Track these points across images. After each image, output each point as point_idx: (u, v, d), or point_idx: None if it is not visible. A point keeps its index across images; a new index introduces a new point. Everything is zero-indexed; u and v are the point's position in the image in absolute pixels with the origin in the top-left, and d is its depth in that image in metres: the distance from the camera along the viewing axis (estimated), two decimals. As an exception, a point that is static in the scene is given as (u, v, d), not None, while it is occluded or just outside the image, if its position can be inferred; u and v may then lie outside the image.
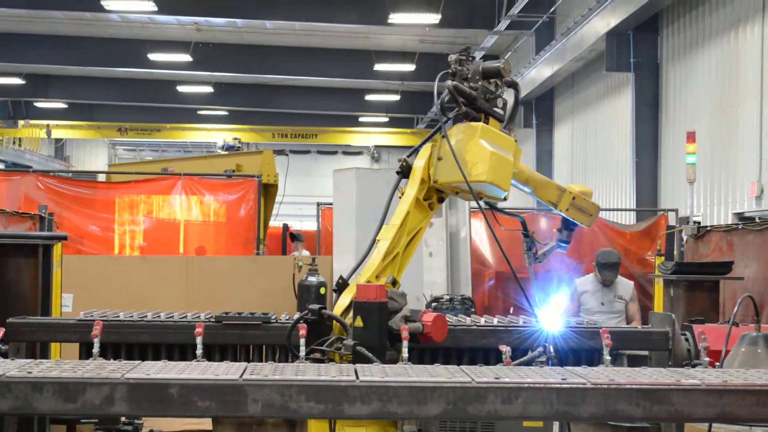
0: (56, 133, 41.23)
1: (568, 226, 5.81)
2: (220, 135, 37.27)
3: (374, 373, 3.81)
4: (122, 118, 39.80)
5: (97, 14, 26.50)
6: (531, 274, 5.70)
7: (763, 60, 13.97)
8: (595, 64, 21.54)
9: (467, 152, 5.11)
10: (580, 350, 5.93)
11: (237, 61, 31.08)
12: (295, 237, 15.87)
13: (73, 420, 6.18)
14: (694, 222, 11.05)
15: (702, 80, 16.29)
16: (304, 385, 3.63)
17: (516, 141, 5.35)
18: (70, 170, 34.67)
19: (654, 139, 18.30)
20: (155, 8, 23.46)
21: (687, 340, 5.76)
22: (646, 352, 6.14)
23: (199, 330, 5.29)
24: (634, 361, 6.13)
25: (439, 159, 5.24)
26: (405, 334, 4.76)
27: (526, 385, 3.66)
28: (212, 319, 5.89)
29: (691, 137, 11.73)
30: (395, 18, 24.09)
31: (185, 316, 6.06)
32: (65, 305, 9.33)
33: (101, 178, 16.24)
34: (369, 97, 36.55)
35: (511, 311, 10.34)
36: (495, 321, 6.11)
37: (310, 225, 23.87)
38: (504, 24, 23.46)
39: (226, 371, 3.77)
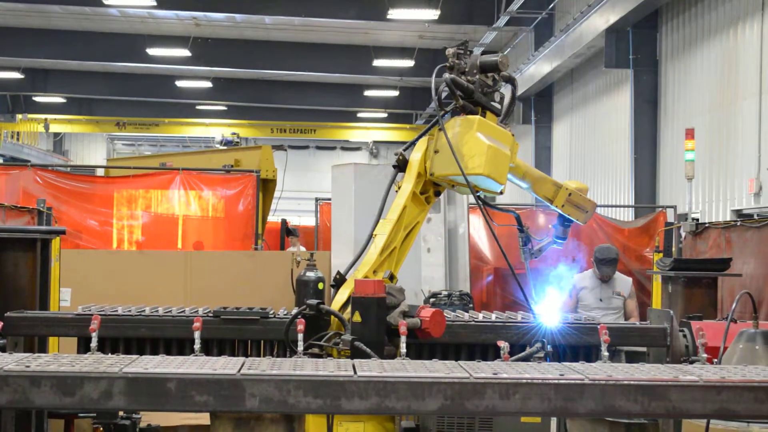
0: (54, 128, 41.16)
1: (563, 222, 5.81)
2: (218, 130, 37.25)
3: (372, 368, 3.81)
4: (121, 113, 39.76)
5: (96, 9, 26.48)
6: (527, 269, 5.70)
7: (762, 57, 13.97)
8: (594, 61, 21.54)
9: (464, 145, 5.10)
10: (578, 346, 5.93)
11: (236, 56, 31.06)
12: (290, 232, 15.86)
13: (71, 414, 6.18)
14: (693, 219, 11.03)
15: (701, 77, 16.29)
16: (302, 380, 3.63)
17: (513, 135, 5.34)
18: (68, 165, 34.63)
19: (653, 136, 18.30)
20: (154, 3, 23.46)
21: (685, 336, 5.77)
22: (644, 349, 6.15)
23: (197, 325, 5.29)
24: (632, 358, 6.14)
25: (436, 152, 5.24)
26: (403, 329, 4.76)
27: (524, 380, 3.66)
28: (210, 314, 5.89)
29: (689, 134, 11.72)
30: (394, 14, 24.08)
31: (183, 311, 6.06)
32: (63, 299, 9.33)
33: (100, 172, 16.22)
34: (368, 93, 36.53)
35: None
36: (493, 317, 6.11)
37: (308, 220, 23.85)
38: (503, 20, 23.45)
39: (224, 366, 3.77)
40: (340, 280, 5.16)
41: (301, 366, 3.83)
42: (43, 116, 39.43)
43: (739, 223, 9.74)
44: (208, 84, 35.48)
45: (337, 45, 30.83)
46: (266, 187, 13.43)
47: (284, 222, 16.45)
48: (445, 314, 5.46)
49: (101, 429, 6.21)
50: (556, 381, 3.66)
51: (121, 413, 5.96)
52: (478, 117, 5.20)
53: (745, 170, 14.35)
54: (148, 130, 41.40)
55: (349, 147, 47.38)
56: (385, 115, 39.74)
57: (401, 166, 5.38)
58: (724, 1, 15.50)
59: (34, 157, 36.24)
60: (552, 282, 6.45)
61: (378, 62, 30.55)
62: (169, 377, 3.61)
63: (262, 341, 5.99)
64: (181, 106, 39.10)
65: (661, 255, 10.82)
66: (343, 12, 25.52)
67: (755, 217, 12.20)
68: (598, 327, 5.43)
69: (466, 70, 5.29)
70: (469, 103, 5.25)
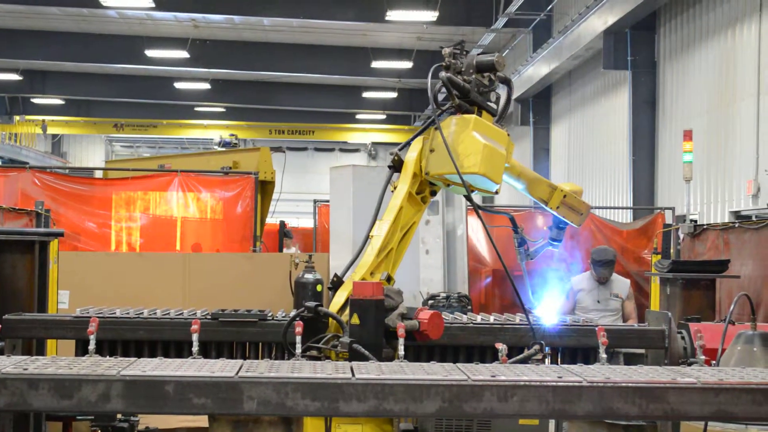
0: (52, 129, 41.16)
1: (558, 224, 5.81)
2: (216, 131, 37.26)
3: (370, 370, 3.81)
4: (119, 115, 39.76)
5: (94, 10, 26.46)
6: (523, 270, 5.70)
7: (760, 58, 13.98)
8: (592, 62, 21.54)
9: (460, 144, 5.10)
10: (577, 348, 5.94)
11: (234, 57, 31.05)
12: (285, 234, 15.84)
13: (69, 417, 6.18)
14: (691, 220, 11.05)
15: (699, 78, 16.30)
16: (300, 383, 3.63)
17: (509, 135, 5.34)
18: (66, 167, 34.63)
19: (651, 137, 18.30)
20: (152, 4, 23.46)
21: (683, 338, 5.77)
22: (642, 350, 6.15)
23: (195, 327, 5.29)
24: (631, 359, 6.14)
25: (432, 151, 5.23)
26: (401, 331, 4.76)
27: (522, 383, 3.66)
28: (208, 317, 5.89)
29: (687, 135, 11.72)
30: (392, 15, 24.08)
31: (181, 313, 6.06)
32: (61, 302, 9.32)
33: (98, 174, 16.22)
34: (366, 95, 36.53)
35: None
36: (491, 319, 6.11)
37: (306, 222, 23.85)
38: (501, 22, 23.45)
39: (222, 368, 3.76)
40: (337, 283, 5.16)
41: (299, 368, 3.83)
42: (40, 118, 39.42)
43: (737, 225, 9.75)
44: (206, 85, 35.48)
45: (336, 47, 30.83)
46: (264, 188, 13.43)
47: (282, 224, 16.44)
48: (444, 316, 5.46)
49: (99, 431, 6.21)
50: (554, 383, 3.66)
51: (119, 416, 5.96)
52: (474, 116, 5.20)
53: (743, 172, 14.35)
54: (146, 131, 41.39)
55: (347, 149, 47.39)
56: (383, 116, 39.75)
57: (397, 166, 5.38)
58: (722, 3, 15.51)
59: (33, 159, 36.22)
60: (550, 284, 6.46)
61: (376, 64, 30.56)
62: (167, 380, 3.61)
63: (260, 343, 5.99)
64: (180, 108, 39.09)
65: (659, 257, 10.82)
66: (342, 14, 25.51)
67: (753, 218, 12.20)
68: (596, 329, 5.43)
69: (463, 69, 5.29)
70: (465, 102, 5.25)
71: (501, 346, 4.78)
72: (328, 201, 12.74)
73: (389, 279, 5.08)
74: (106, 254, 11.76)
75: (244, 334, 5.86)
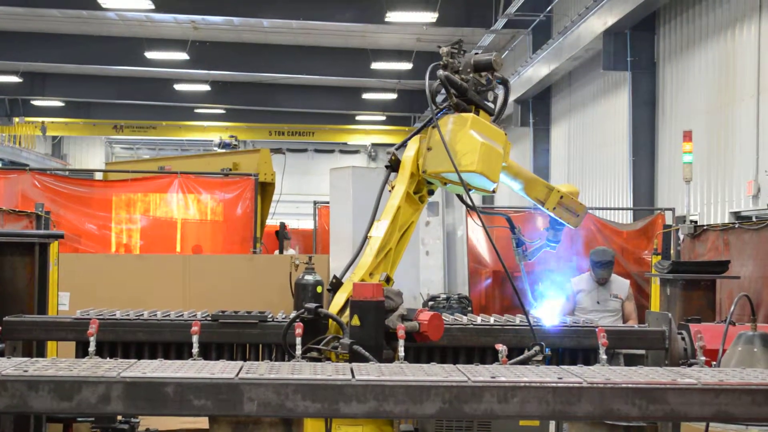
0: (51, 130, 41.17)
1: (555, 225, 5.80)
2: (216, 133, 37.27)
3: (370, 372, 3.81)
4: (119, 117, 39.78)
5: (94, 12, 26.45)
6: (522, 270, 5.70)
7: (760, 58, 13.97)
8: (592, 63, 21.53)
9: (457, 142, 5.09)
10: (577, 349, 5.94)
11: (234, 59, 31.05)
12: (283, 235, 15.83)
13: (70, 418, 6.18)
14: (691, 221, 11.04)
15: (699, 79, 16.29)
16: (300, 384, 3.63)
17: (506, 135, 5.33)
18: (67, 168, 34.65)
19: (651, 138, 18.30)
20: (152, 6, 23.45)
21: (683, 339, 5.77)
22: (642, 351, 6.15)
23: (195, 329, 5.29)
24: (631, 360, 6.14)
25: (429, 149, 5.23)
26: (401, 333, 4.76)
27: (522, 384, 3.66)
28: (209, 318, 5.89)
29: (687, 136, 11.71)
30: (392, 16, 24.08)
31: (182, 315, 6.06)
32: (62, 304, 9.33)
33: (98, 176, 16.23)
34: (366, 96, 36.53)
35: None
36: (491, 320, 6.11)
37: (306, 224, 23.86)
38: (501, 23, 23.45)
39: (222, 370, 3.77)
40: (336, 284, 5.16)
41: (300, 370, 3.83)
42: (40, 119, 39.44)
43: (737, 226, 9.74)
44: (206, 87, 35.48)
45: (335, 48, 30.83)
46: (265, 190, 13.44)
47: (283, 225, 16.45)
48: (444, 317, 5.46)
49: (99, 433, 6.22)
50: (554, 384, 3.66)
51: (119, 417, 5.96)
52: (471, 115, 5.20)
53: (743, 172, 14.35)
54: (145, 133, 41.40)
55: (347, 150, 47.40)
56: (383, 118, 39.76)
57: (394, 166, 5.37)
58: (721, 3, 15.51)
59: (33, 161, 36.24)
60: (550, 285, 6.45)
61: (376, 65, 30.56)
62: (167, 381, 3.61)
63: (260, 345, 5.99)
64: (180, 110, 39.09)
65: (659, 257, 10.82)
66: (341, 15, 25.50)
67: (753, 219, 12.19)
68: (596, 330, 5.43)
69: (460, 68, 5.29)
70: (462, 101, 5.25)
71: (501, 348, 4.78)
72: (328, 202, 12.75)
73: (388, 280, 5.08)
74: (106, 256, 11.76)
75: (244, 336, 5.86)
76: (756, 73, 14.06)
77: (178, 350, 5.85)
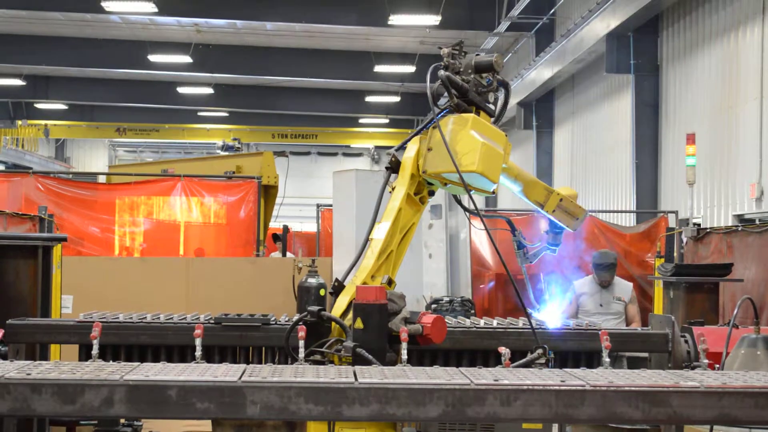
0: (54, 133, 41.22)
1: (554, 229, 5.79)
2: (219, 136, 37.29)
3: (373, 375, 3.81)
4: (122, 120, 39.82)
5: (97, 15, 26.48)
6: (524, 272, 5.69)
7: (763, 61, 13.96)
8: (595, 66, 21.53)
9: (458, 143, 5.09)
10: (580, 352, 5.93)
11: (237, 62, 31.08)
12: (277, 238, 15.83)
13: (73, 422, 6.19)
14: (694, 224, 11.05)
15: (702, 82, 16.29)
16: (303, 387, 3.63)
17: (506, 135, 5.33)
18: (70, 171, 34.69)
19: (654, 141, 18.29)
20: (155, 9, 23.47)
21: (686, 342, 5.76)
22: (645, 354, 6.14)
23: (198, 332, 5.28)
24: (634, 363, 6.14)
25: (429, 150, 5.22)
26: (404, 335, 4.76)
27: (525, 387, 3.66)
28: (212, 321, 5.89)
29: (690, 139, 11.71)
30: (395, 19, 24.08)
31: (185, 318, 6.06)
32: (65, 307, 9.33)
33: (101, 179, 16.24)
34: (369, 99, 36.54)
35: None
36: (494, 323, 6.11)
37: (310, 226, 23.86)
38: (504, 25, 23.44)
39: (225, 373, 3.77)
40: (338, 287, 5.15)
41: (302, 373, 3.83)
42: (43, 122, 39.49)
43: (740, 228, 9.74)
44: (209, 90, 35.51)
45: (338, 51, 30.85)
46: (268, 193, 13.45)
47: (286, 228, 16.44)
48: (447, 320, 5.45)
49: (103, 436, 6.21)
50: (557, 387, 3.66)
51: (122, 421, 5.97)
52: (472, 115, 5.19)
53: (747, 175, 14.34)
54: (148, 135, 41.44)
55: (350, 153, 47.42)
56: (386, 120, 39.76)
57: (394, 167, 5.36)
58: (724, 6, 15.51)
59: (36, 164, 36.31)
60: (553, 288, 6.45)
61: (379, 68, 30.56)
62: (170, 384, 3.61)
63: (263, 348, 5.99)
64: (183, 113, 39.13)
65: (662, 260, 10.82)
66: (344, 18, 25.52)
67: (757, 222, 12.19)
68: (599, 333, 5.42)
69: (461, 69, 5.29)
70: (463, 102, 5.25)
71: (504, 350, 4.78)
72: (331, 205, 12.75)
73: (390, 282, 5.07)
74: (109, 259, 11.77)
75: (247, 339, 5.86)
76: (759, 76, 14.06)
77: (181, 353, 5.85)
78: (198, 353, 5.25)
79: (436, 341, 4.94)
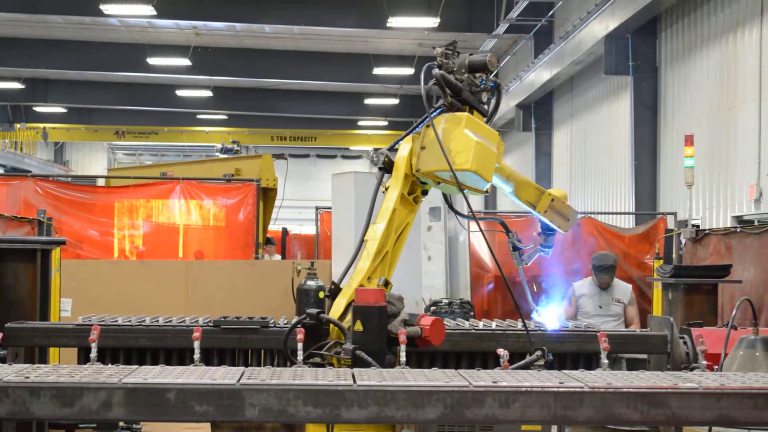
0: (53, 136, 41.23)
1: (547, 230, 5.78)
2: (218, 138, 37.31)
3: (372, 377, 3.81)
4: (122, 123, 39.85)
5: (96, 19, 26.51)
6: (521, 274, 5.68)
7: (762, 63, 13.97)
8: (593, 68, 21.55)
9: (452, 141, 5.08)
10: (578, 354, 5.93)
11: (236, 65, 31.09)
12: (267, 240, 15.84)
13: (72, 425, 6.19)
14: (693, 225, 11.05)
15: (700, 83, 16.30)
16: (302, 390, 3.63)
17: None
18: (69, 175, 34.68)
19: (653, 142, 18.30)
20: (154, 13, 23.48)
21: (685, 343, 5.76)
22: (644, 356, 6.14)
23: (196, 334, 5.28)
24: (633, 365, 6.13)
25: (423, 148, 5.21)
26: (402, 338, 4.75)
27: (524, 389, 3.66)
28: (210, 324, 5.89)
29: (689, 140, 11.72)
30: (394, 22, 24.09)
31: (183, 321, 6.06)
32: (64, 310, 9.33)
33: (100, 182, 16.24)
34: (368, 101, 36.55)
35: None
36: (493, 325, 6.10)
37: (309, 229, 23.87)
38: (503, 27, 23.46)
39: (224, 376, 3.77)
40: (335, 290, 5.13)
41: (301, 375, 3.83)
42: (40, 125, 39.51)
43: (738, 230, 9.75)
44: (208, 93, 35.53)
45: (337, 53, 30.86)
46: (267, 195, 13.46)
47: (285, 231, 16.45)
48: (446, 322, 5.45)
49: (102, 439, 6.21)
50: (555, 389, 3.66)
51: (121, 424, 5.96)
52: (466, 114, 5.18)
53: (745, 176, 14.35)
54: (147, 138, 41.46)
55: (349, 155, 47.44)
56: (385, 123, 39.77)
57: (387, 167, 5.35)
58: (723, 7, 15.52)
59: (35, 167, 36.31)
60: (552, 290, 6.46)
61: (378, 70, 30.57)
62: (168, 387, 3.61)
63: (262, 350, 5.98)
64: (182, 115, 39.15)
65: (661, 262, 10.83)
66: (343, 20, 25.53)
67: (755, 223, 12.20)
68: (598, 334, 5.42)
69: (455, 69, 5.28)
70: (457, 101, 5.25)
71: (503, 352, 4.78)
72: (330, 208, 12.76)
73: (387, 283, 5.07)
74: (108, 262, 11.78)
75: (246, 342, 5.86)
76: (758, 77, 14.07)
77: (180, 356, 5.84)
78: (197, 356, 5.25)
79: (435, 343, 4.94)
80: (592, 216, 14.02)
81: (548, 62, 23.08)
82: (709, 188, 15.69)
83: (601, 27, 18.62)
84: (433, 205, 10.88)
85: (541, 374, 3.97)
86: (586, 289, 10.27)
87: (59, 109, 39.16)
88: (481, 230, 5.41)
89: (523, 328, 5.76)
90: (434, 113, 5.26)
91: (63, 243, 7.45)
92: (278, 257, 15.01)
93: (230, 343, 5.87)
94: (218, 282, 10.79)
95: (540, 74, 24.00)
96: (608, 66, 18.86)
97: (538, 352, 5.05)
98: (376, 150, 45.52)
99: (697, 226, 11.16)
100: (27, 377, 3.62)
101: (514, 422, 3.69)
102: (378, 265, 5.08)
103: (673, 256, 11.04)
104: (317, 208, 15.99)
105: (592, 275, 10.32)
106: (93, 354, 5.12)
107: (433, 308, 10.14)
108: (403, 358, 4.72)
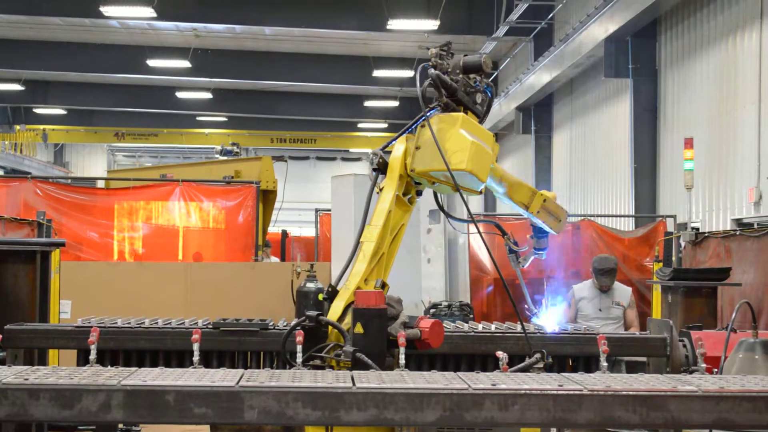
0: (53, 138, 41.24)
1: (539, 233, 5.78)
2: (218, 140, 37.30)
3: (371, 379, 3.81)
4: (122, 125, 39.86)
5: (96, 20, 26.53)
6: (519, 276, 5.68)
7: (761, 66, 13.97)
8: (593, 70, 21.55)
9: (447, 141, 5.08)
10: (578, 356, 5.93)
11: (236, 67, 31.10)
12: (264, 243, 15.82)
13: (71, 426, 6.18)
14: (693, 228, 11.04)
15: (700, 86, 16.30)
16: (301, 392, 3.63)
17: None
18: (69, 176, 34.69)
19: (652, 145, 18.30)
20: (154, 15, 23.49)
21: (685, 346, 5.77)
22: (644, 359, 6.14)
23: (195, 337, 5.28)
24: (633, 368, 6.14)
25: (417, 148, 5.21)
26: (402, 340, 4.75)
27: (523, 391, 3.66)
28: (210, 326, 5.89)
29: (688, 143, 11.72)
30: (394, 24, 24.10)
31: (183, 323, 6.06)
32: (63, 312, 9.34)
33: (100, 184, 16.24)
34: (368, 104, 36.55)
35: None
36: (492, 328, 6.11)
37: (308, 231, 23.86)
38: (503, 30, 23.46)
39: (223, 378, 3.77)
40: (332, 293, 5.13)
41: (300, 378, 3.83)
42: (40, 127, 39.52)
43: (738, 233, 9.74)
44: (208, 95, 35.53)
45: (337, 56, 30.86)
46: (266, 198, 13.45)
47: (284, 233, 16.44)
48: (445, 325, 5.45)
49: (101, 441, 6.21)
50: (554, 392, 3.66)
51: (120, 426, 5.96)
52: (461, 114, 5.18)
53: (745, 179, 14.35)
54: (147, 140, 41.46)
55: (349, 157, 47.44)
56: (385, 125, 39.76)
57: (382, 168, 5.34)
58: (723, 10, 15.52)
59: (35, 169, 36.31)
60: (552, 292, 6.46)
61: (378, 72, 30.57)
62: (167, 389, 3.61)
63: (261, 353, 5.99)
64: (182, 117, 39.15)
65: (660, 264, 10.82)
66: (343, 23, 25.54)
67: (755, 226, 12.19)
68: (597, 337, 5.42)
69: (449, 69, 5.29)
70: (451, 101, 5.25)
71: (502, 355, 4.78)
72: (329, 210, 12.75)
73: (383, 285, 5.06)
74: (108, 264, 11.77)
75: (245, 344, 5.86)
76: (757, 80, 14.07)
77: (179, 358, 5.85)
78: (196, 358, 5.25)
79: (434, 346, 4.94)
80: (592, 219, 14.02)
81: (548, 65, 23.08)
82: (708, 191, 15.69)
83: (600, 30, 18.62)
84: (432, 208, 10.88)
85: (541, 377, 3.97)
86: (586, 291, 10.27)
87: (59, 111, 39.16)
88: (479, 232, 5.40)
89: (523, 331, 5.76)
90: (429, 113, 5.26)
91: (62, 245, 7.44)
92: (275, 260, 15.00)
93: (229, 346, 5.88)
94: (218, 284, 10.79)
95: (540, 77, 24.00)
96: (608, 69, 18.87)
97: (538, 355, 5.05)
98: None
99: (697, 229, 11.13)
100: (26, 379, 3.62)
101: (514, 425, 3.69)
102: (374, 267, 5.07)
103: (673, 258, 11.03)
104: (317, 211, 15.97)
105: (592, 278, 10.32)
106: (92, 356, 5.12)
107: (432, 311, 10.13)
108: (402, 360, 4.72)
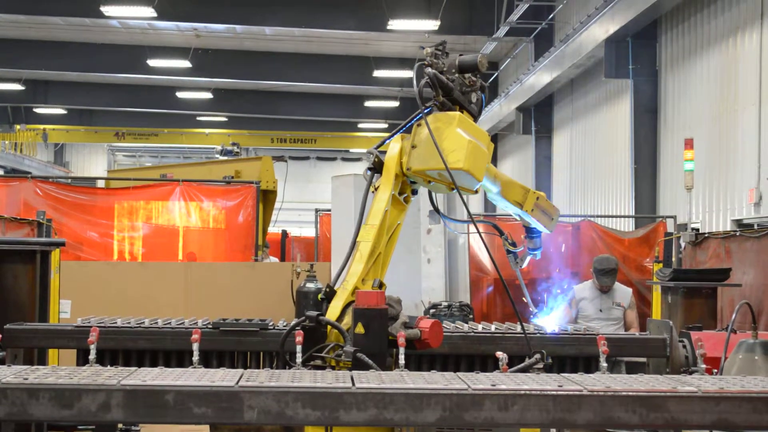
0: (53, 138, 41.25)
1: (531, 233, 5.78)
2: (218, 140, 37.30)
3: (370, 379, 3.81)
4: (122, 125, 39.88)
5: (97, 20, 26.53)
6: (518, 276, 5.68)
7: (762, 66, 13.97)
8: (593, 71, 21.55)
9: (444, 140, 5.07)
10: (578, 357, 5.93)
11: (236, 67, 31.11)
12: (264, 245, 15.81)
13: (71, 426, 6.18)
14: (693, 229, 11.03)
15: (700, 87, 16.30)
16: (300, 392, 3.63)
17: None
18: (69, 176, 34.69)
19: (652, 146, 18.30)
20: (155, 14, 23.50)
21: (685, 347, 5.77)
22: (644, 359, 6.14)
23: (195, 337, 5.28)
24: (632, 368, 6.14)
25: (414, 147, 5.21)
26: (401, 340, 4.75)
27: (523, 392, 3.66)
28: (209, 326, 5.89)
29: (689, 144, 11.71)
30: (394, 24, 24.11)
31: (183, 323, 6.06)
32: (63, 311, 9.33)
33: (100, 184, 16.25)
34: (368, 104, 36.56)
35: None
36: (492, 328, 6.11)
37: (308, 231, 23.86)
38: (503, 30, 23.46)
39: (223, 378, 3.76)
40: (330, 293, 5.13)
41: (300, 378, 3.82)
42: (40, 126, 39.53)
43: (738, 233, 9.74)
44: (208, 95, 35.54)
45: (338, 56, 30.87)
46: (267, 198, 13.46)
47: (284, 233, 16.44)
48: (445, 325, 5.45)
49: (100, 441, 6.21)
50: (554, 392, 3.66)
51: (120, 425, 5.96)
52: (458, 113, 5.18)
53: (745, 180, 14.35)
54: (147, 140, 41.48)
55: (349, 158, 47.44)
56: (385, 125, 39.76)
57: (377, 167, 5.34)
58: (723, 11, 15.52)
59: (35, 168, 36.31)
60: (552, 293, 6.46)
61: (378, 73, 30.58)
62: (167, 389, 3.61)
63: (261, 353, 5.99)
64: (182, 117, 39.16)
65: (660, 265, 10.81)
66: (343, 23, 25.55)
67: (755, 227, 12.18)
68: (597, 338, 5.42)
69: (445, 69, 5.28)
70: (447, 100, 5.24)
71: (502, 355, 4.78)
72: (329, 210, 12.75)
73: (381, 285, 5.06)
74: (108, 264, 11.77)
75: (245, 344, 5.86)
76: (758, 81, 14.07)
77: (179, 358, 5.85)
78: (195, 358, 5.25)
79: (434, 346, 4.94)
80: (592, 219, 14.01)
81: (548, 65, 23.08)
82: (708, 192, 15.68)
83: (601, 30, 18.62)
84: (432, 208, 10.87)
85: (540, 377, 3.97)
86: (587, 292, 10.26)
87: (59, 111, 39.17)
88: (479, 232, 5.40)
89: (522, 332, 5.76)
90: (425, 112, 5.26)
91: (62, 244, 7.44)
92: (274, 260, 15.00)
93: (229, 346, 5.87)
94: (217, 284, 10.79)
95: (540, 77, 24.00)
96: (608, 69, 18.86)
97: (537, 355, 5.05)
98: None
99: (697, 230, 11.12)
100: (26, 378, 3.62)
101: (513, 425, 3.69)
102: (371, 267, 5.07)
103: (673, 259, 11.03)
104: (317, 211, 15.97)
105: (592, 278, 10.31)
106: (92, 355, 5.13)
107: (432, 311, 10.12)
108: (402, 360, 4.71)
